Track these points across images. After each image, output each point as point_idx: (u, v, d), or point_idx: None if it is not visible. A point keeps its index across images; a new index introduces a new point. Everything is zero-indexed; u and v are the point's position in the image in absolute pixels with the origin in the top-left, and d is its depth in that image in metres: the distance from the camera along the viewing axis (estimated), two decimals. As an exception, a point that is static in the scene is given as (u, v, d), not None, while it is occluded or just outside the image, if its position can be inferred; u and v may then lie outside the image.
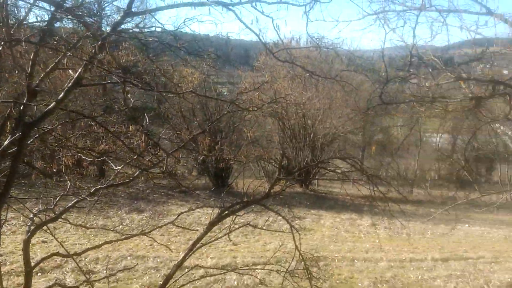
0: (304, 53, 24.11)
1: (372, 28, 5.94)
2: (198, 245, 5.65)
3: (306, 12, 5.52)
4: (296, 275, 6.77)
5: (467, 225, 19.55)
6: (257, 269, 11.29)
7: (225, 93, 28.72)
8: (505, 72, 10.06)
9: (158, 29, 5.02)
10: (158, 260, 12.17)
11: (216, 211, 5.61)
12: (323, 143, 25.53)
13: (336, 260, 13.21)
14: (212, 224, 5.33)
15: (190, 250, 5.67)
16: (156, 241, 7.58)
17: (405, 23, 5.52)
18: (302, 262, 6.52)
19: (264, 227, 13.85)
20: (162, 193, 21.25)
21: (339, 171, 8.16)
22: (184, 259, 5.71)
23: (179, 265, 5.68)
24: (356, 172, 8.22)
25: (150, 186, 21.12)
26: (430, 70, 6.93)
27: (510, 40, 8.63)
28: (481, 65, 8.66)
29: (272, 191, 5.48)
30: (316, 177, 27.26)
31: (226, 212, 5.32)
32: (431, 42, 6.72)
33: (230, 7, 4.74)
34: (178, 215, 7.14)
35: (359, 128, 30.18)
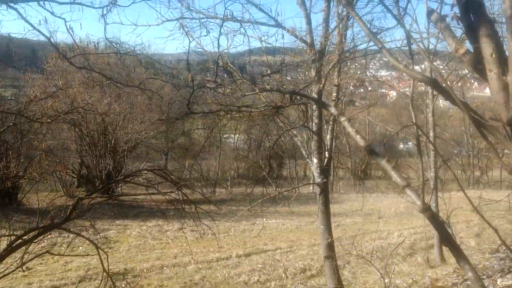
0: (103, 59, 22.86)
1: (177, 35, 5.90)
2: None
3: (103, 16, 5.11)
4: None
5: (265, 219, 21.18)
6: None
7: (8, 98, 25.14)
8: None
9: None
10: None
11: (5, 240, 4.75)
12: (125, 149, 24.62)
13: (145, 270, 12.82)
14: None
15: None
16: None
17: (209, 32, 5.59)
18: (109, 281, 6.05)
19: (65, 252, 12.59)
20: None
21: (144, 179, 7.85)
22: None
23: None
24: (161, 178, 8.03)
25: None
26: (233, 78, 7.32)
27: (296, 49, 9.72)
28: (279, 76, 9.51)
29: (74, 211, 4.89)
30: (120, 185, 26.09)
31: (19, 241, 4.55)
32: (236, 49, 7.08)
33: (12, 4, 4.08)
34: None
35: (162, 133, 30.12)
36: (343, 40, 9.16)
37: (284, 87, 6.34)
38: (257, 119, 6.83)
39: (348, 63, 16.03)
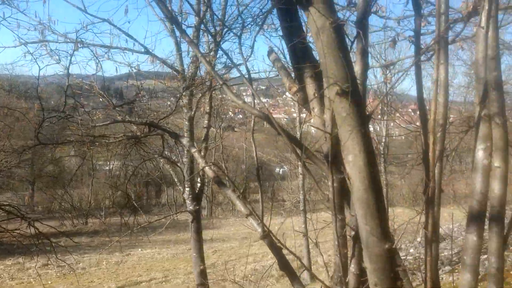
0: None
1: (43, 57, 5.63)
2: None
3: None
4: None
5: (140, 249, 20.47)
6: None
7: None
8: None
9: None
10: None
11: None
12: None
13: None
14: None
15: None
16: None
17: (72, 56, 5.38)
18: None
19: None
20: None
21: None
22: None
23: None
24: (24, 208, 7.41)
25: None
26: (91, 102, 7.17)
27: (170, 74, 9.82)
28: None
29: None
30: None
31: None
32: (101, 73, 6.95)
33: None
34: None
35: (27, 161, 27.72)
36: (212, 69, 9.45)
37: (148, 116, 6.32)
38: (120, 148, 6.69)
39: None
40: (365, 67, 2.63)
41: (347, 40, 2.67)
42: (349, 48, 2.63)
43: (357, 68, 2.60)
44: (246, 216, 3.39)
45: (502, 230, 2.62)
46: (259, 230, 3.31)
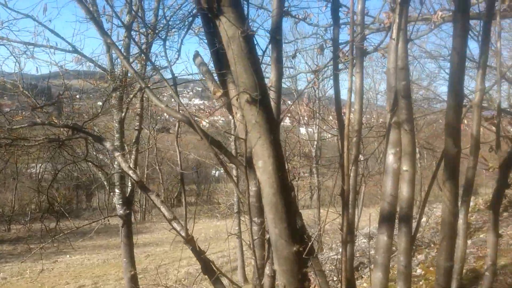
0: None
1: None
2: None
3: None
4: None
5: (68, 256, 19.62)
6: None
7: None
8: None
9: None
10: None
11: None
12: None
13: None
14: None
15: None
16: None
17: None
18: None
19: None
20: None
21: None
22: None
23: None
24: None
25: None
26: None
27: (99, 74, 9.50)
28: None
29: None
30: None
31: None
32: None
33: None
34: None
35: None
36: (143, 70, 9.26)
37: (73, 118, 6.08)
38: (44, 151, 6.37)
39: (163, 91, 16.05)
40: (280, 74, 2.71)
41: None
42: (260, 57, 2.68)
43: (272, 76, 2.67)
44: (170, 221, 3.36)
45: (410, 230, 2.78)
46: (183, 234, 3.30)
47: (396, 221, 2.85)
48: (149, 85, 3.06)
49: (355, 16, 3.12)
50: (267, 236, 2.71)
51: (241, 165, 2.91)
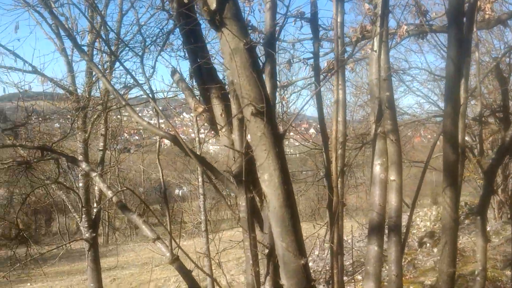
0: None
1: None
2: None
3: None
4: None
5: (29, 284, 18.76)
6: None
7: None
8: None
9: None
10: None
11: None
12: None
13: None
14: None
15: None
16: None
17: None
18: None
19: None
20: None
21: None
22: None
23: None
24: None
25: None
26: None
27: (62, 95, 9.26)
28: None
29: None
30: None
31: None
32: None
33: None
34: None
35: None
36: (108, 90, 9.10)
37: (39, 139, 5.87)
38: (7, 175, 6.11)
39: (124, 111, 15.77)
40: (274, 88, 2.71)
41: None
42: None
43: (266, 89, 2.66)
44: (154, 241, 3.26)
45: (400, 239, 2.81)
46: (168, 254, 3.21)
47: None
48: (129, 103, 2.99)
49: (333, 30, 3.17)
50: (264, 251, 2.68)
51: (228, 181, 2.87)
